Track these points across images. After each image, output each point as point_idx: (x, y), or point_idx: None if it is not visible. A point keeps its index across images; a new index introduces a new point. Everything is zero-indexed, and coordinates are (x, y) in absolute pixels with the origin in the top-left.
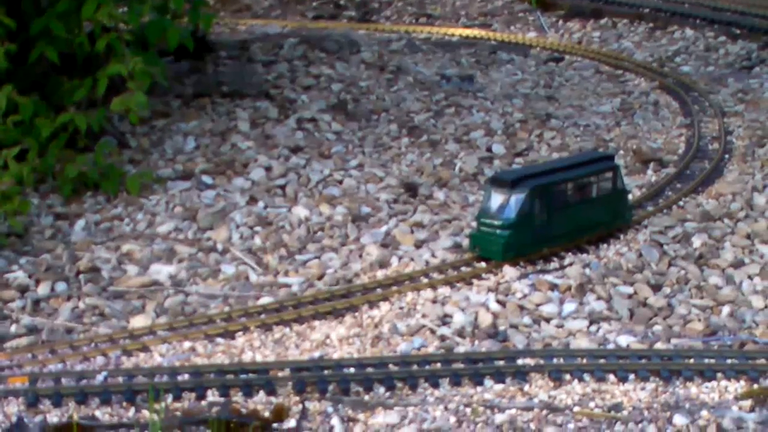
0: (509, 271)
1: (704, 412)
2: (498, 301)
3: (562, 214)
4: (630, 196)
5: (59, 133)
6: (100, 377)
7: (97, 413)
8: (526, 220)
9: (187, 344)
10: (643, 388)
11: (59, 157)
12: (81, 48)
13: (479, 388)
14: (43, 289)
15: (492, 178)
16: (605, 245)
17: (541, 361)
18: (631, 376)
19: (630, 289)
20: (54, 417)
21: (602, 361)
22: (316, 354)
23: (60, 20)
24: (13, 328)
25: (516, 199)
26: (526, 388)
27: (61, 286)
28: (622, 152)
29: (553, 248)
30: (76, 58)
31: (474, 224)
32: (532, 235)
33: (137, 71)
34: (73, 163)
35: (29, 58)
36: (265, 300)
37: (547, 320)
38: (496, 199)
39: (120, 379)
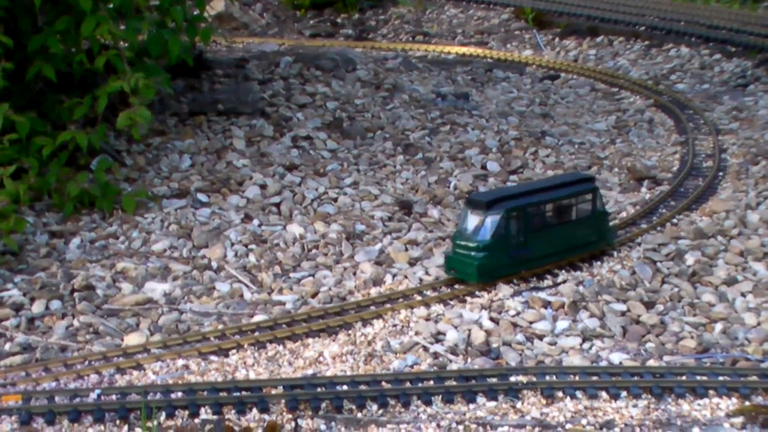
0: (503, 289)
1: (696, 429)
2: (491, 319)
3: (540, 236)
4: (620, 215)
5: (59, 151)
6: (93, 395)
7: (90, 431)
8: (502, 242)
9: (180, 362)
10: (635, 405)
11: (59, 175)
12: (80, 66)
13: (472, 406)
14: (37, 307)
15: (468, 199)
16: (599, 263)
17: (534, 379)
18: (624, 394)
19: (623, 307)
20: None
21: (595, 378)
22: (310, 371)
23: (58, 38)
24: (7, 347)
25: (491, 220)
26: (519, 405)
27: (55, 304)
28: (616, 170)
29: (530, 270)
30: (73, 75)
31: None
32: (508, 257)
33: (141, 87)
34: (74, 182)
35: (26, 76)
36: (259, 318)
37: (540, 337)
38: (472, 220)
39: (113, 397)
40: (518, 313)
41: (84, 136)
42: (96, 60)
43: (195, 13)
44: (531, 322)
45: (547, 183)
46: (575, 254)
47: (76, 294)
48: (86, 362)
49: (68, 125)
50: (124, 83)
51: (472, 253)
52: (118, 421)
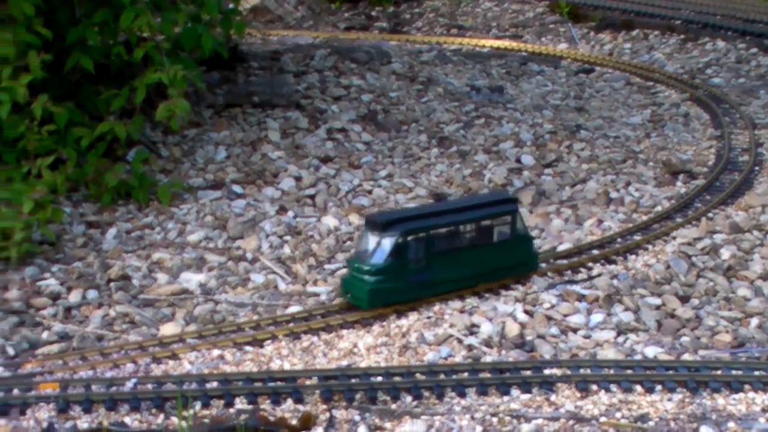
0: (537, 282)
1: (731, 424)
2: (525, 312)
3: (446, 259)
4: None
5: (97, 142)
6: (129, 384)
7: (127, 419)
8: (398, 266)
9: (216, 352)
10: (669, 399)
11: (96, 166)
12: (118, 57)
13: (506, 398)
14: (74, 297)
15: (366, 218)
16: (633, 256)
17: (568, 372)
18: (658, 387)
19: (658, 301)
20: (84, 423)
21: (629, 371)
22: (344, 363)
23: (96, 30)
24: (44, 335)
25: (386, 242)
26: (553, 398)
27: (92, 294)
28: (651, 164)
29: (435, 296)
30: (111, 67)
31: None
32: (406, 283)
33: (177, 78)
34: (111, 172)
35: (64, 67)
36: (293, 309)
37: (575, 331)
38: (368, 242)
39: (149, 386)
40: (552, 306)
41: (122, 128)
42: (134, 52)
43: (230, 6)
44: (565, 315)
45: (461, 203)
46: (491, 280)
47: (112, 284)
48: (122, 351)
49: (105, 116)
50: (163, 75)
51: (365, 277)
52: (153, 410)
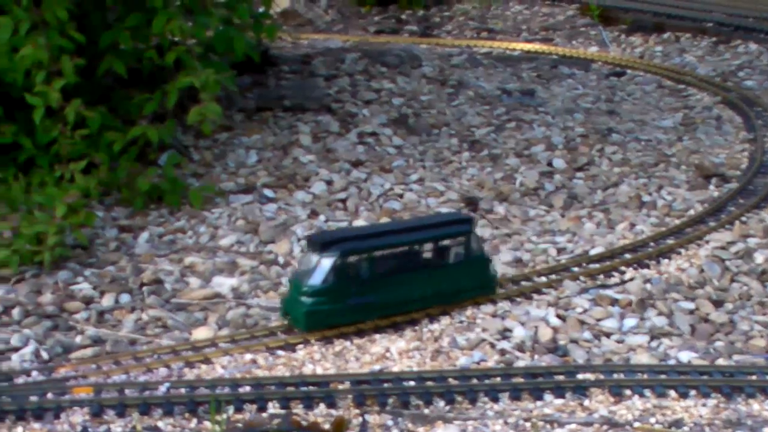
0: (570, 286)
1: (766, 430)
2: (558, 316)
3: (391, 282)
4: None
5: (129, 146)
6: (162, 388)
7: (160, 424)
8: (337, 288)
9: (248, 356)
10: (704, 405)
11: (129, 170)
12: (150, 62)
13: (539, 403)
14: (107, 301)
15: (307, 237)
16: (666, 260)
17: (602, 376)
18: (693, 392)
19: (691, 305)
20: (118, 427)
21: (663, 376)
22: (376, 367)
23: (128, 34)
24: (78, 339)
25: (325, 263)
26: (586, 403)
27: (125, 298)
28: (684, 167)
29: (381, 319)
30: (143, 71)
31: None
32: (346, 305)
33: (209, 82)
34: (144, 176)
35: (97, 71)
36: None
37: (608, 335)
38: (309, 261)
39: (182, 391)
40: (585, 311)
41: (155, 132)
42: (166, 56)
43: (260, 10)
44: (598, 320)
45: (410, 223)
46: (443, 303)
47: (144, 288)
48: (155, 356)
49: (138, 120)
50: (194, 79)
51: (303, 299)
52: (186, 414)
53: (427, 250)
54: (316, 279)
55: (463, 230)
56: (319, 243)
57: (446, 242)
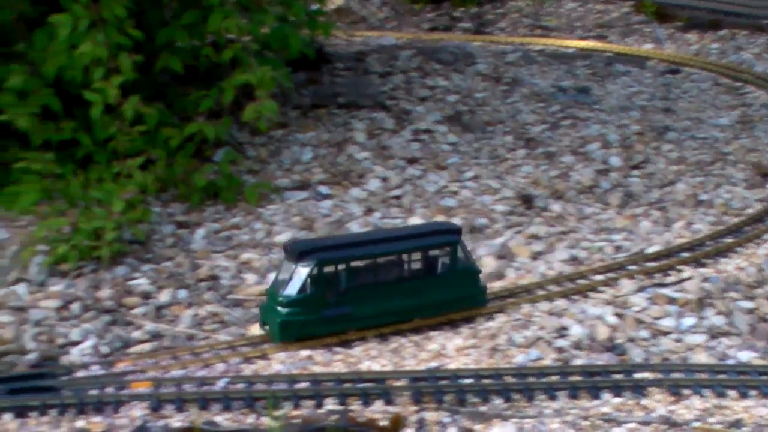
0: (626, 285)
1: None
2: (615, 314)
3: (371, 293)
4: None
5: (185, 142)
6: (220, 383)
7: (218, 419)
8: (311, 298)
9: (305, 353)
10: (764, 405)
11: (185, 166)
12: (206, 59)
13: (596, 402)
14: (165, 296)
15: (284, 245)
16: (725, 259)
17: (660, 376)
18: (753, 393)
19: (750, 304)
20: (176, 422)
21: (722, 376)
22: (433, 364)
23: (185, 31)
24: (136, 334)
25: (300, 272)
26: (645, 402)
27: (182, 294)
28: (741, 165)
29: (361, 330)
30: (199, 68)
31: None
32: (321, 317)
33: (265, 79)
34: (200, 173)
35: (153, 68)
36: None
37: (665, 334)
38: (285, 270)
39: (240, 386)
40: (643, 309)
41: (212, 128)
42: (222, 53)
43: (315, 7)
44: (656, 319)
45: (392, 233)
46: (426, 315)
47: (201, 284)
48: (213, 351)
49: (194, 117)
50: (251, 76)
51: (278, 308)
52: (244, 410)
53: (410, 261)
54: (292, 289)
55: (449, 241)
56: (296, 252)
57: (431, 253)
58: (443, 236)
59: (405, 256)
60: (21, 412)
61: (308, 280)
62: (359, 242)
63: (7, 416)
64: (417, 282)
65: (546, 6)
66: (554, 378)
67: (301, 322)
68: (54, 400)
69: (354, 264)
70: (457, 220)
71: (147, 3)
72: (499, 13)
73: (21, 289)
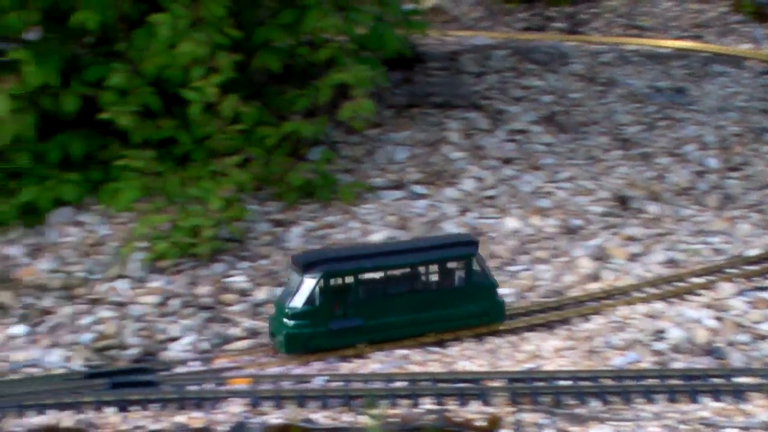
0: (725, 288)
1: None
2: (714, 318)
3: (379, 306)
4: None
5: (282, 141)
6: (318, 381)
7: (316, 416)
8: (318, 311)
9: (401, 352)
10: None
11: (281, 165)
12: (303, 58)
13: (695, 406)
14: (262, 294)
15: (292, 257)
16: None
17: (761, 380)
18: None
19: None
20: (274, 419)
21: None
22: (529, 365)
23: (281, 31)
24: (234, 331)
25: (306, 284)
26: (745, 407)
27: (279, 292)
28: None
29: (371, 344)
30: (294, 67)
31: None
32: (328, 329)
33: (362, 79)
34: (296, 171)
35: (250, 67)
36: None
37: (766, 338)
38: (292, 282)
39: (337, 384)
40: (743, 313)
41: (308, 127)
42: (319, 52)
43: (410, 6)
44: (756, 322)
45: (408, 245)
46: (440, 329)
47: None
48: None
49: (289, 116)
50: (347, 75)
51: (284, 320)
52: (341, 408)
53: (422, 274)
54: (298, 301)
55: (464, 253)
56: (303, 263)
57: (444, 266)
58: (458, 249)
59: (416, 269)
60: (123, 406)
61: (315, 292)
62: (369, 254)
63: (110, 410)
64: (429, 295)
65: (641, 6)
66: (652, 381)
67: (308, 335)
68: (155, 395)
69: (363, 276)
70: (552, 221)
71: (245, 2)
72: (593, 13)
73: (121, 284)
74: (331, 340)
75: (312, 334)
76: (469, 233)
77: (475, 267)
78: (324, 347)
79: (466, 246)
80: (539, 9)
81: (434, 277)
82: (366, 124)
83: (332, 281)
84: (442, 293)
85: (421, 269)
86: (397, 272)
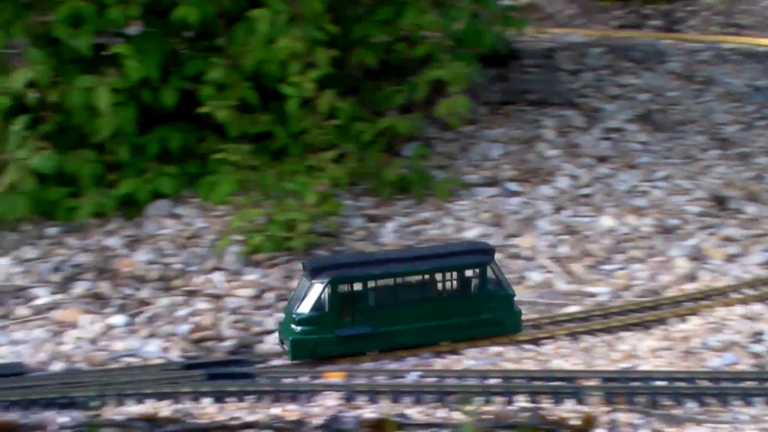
0: None
1: None
2: None
3: (388, 314)
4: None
5: (378, 137)
6: (412, 376)
7: (409, 412)
8: (325, 317)
9: (495, 349)
10: None
11: (377, 160)
12: (399, 54)
13: None
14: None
15: (303, 262)
16: None
17: None
18: None
19: None
20: (368, 413)
21: None
22: (624, 365)
23: (379, 27)
24: None
25: (314, 290)
26: None
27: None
28: None
29: (383, 352)
30: (390, 63)
31: None
32: (335, 336)
33: (459, 75)
34: (391, 167)
35: (347, 63)
36: (571, 309)
37: None
38: (301, 287)
39: (431, 380)
40: None
41: (404, 123)
42: (416, 48)
43: (506, 3)
44: None
45: (420, 252)
46: (451, 339)
47: None
48: None
49: (385, 112)
50: (445, 72)
51: (291, 326)
52: (435, 404)
53: (434, 282)
54: (305, 307)
55: (479, 261)
56: (311, 268)
57: (456, 274)
58: (472, 256)
59: (428, 277)
60: (219, 397)
61: (322, 298)
62: (379, 260)
63: (207, 400)
64: (441, 303)
65: (739, 3)
66: (750, 383)
67: (314, 341)
68: (251, 387)
69: (372, 283)
70: (648, 220)
71: None
72: (689, 11)
73: (217, 277)
74: (338, 347)
75: (318, 341)
76: (485, 242)
77: (490, 275)
78: (331, 354)
79: (481, 254)
80: (635, 7)
81: (447, 285)
82: (461, 121)
83: (341, 287)
84: (455, 301)
85: (433, 277)
86: (408, 279)
